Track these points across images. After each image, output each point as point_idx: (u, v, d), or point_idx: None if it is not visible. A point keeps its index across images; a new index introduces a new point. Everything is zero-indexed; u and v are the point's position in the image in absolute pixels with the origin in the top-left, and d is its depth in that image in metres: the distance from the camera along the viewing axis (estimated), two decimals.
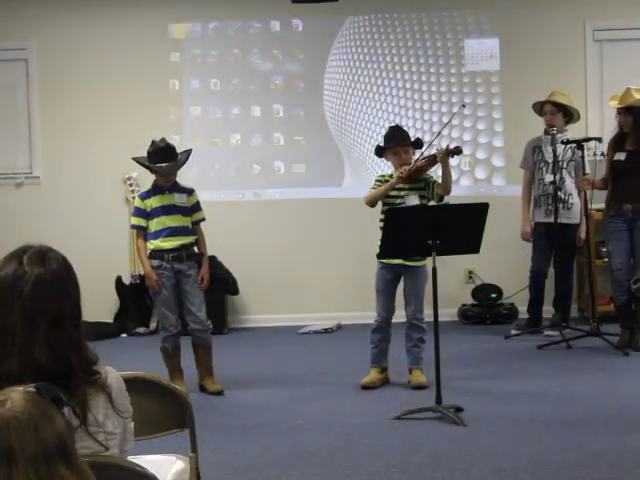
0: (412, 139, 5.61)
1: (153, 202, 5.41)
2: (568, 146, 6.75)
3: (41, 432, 1.50)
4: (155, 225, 5.41)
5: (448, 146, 5.59)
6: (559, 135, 6.71)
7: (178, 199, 5.44)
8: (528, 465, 3.89)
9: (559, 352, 6.27)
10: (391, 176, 5.56)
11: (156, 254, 5.39)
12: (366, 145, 7.95)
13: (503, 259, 7.64)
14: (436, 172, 5.74)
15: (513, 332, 6.93)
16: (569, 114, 6.94)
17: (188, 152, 5.60)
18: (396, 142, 5.47)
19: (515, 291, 7.55)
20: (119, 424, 2.03)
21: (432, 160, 5.41)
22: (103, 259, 7.52)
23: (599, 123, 7.77)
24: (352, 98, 8.00)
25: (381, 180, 5.56)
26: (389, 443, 4.31)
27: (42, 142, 7.99)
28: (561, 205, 6.76)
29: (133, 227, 5.55)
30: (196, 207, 5.56)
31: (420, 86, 7.95)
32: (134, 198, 7.82)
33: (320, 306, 7.81)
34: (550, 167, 6.76)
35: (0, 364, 1.90)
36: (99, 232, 7.75)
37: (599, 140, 6.71)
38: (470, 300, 7.70)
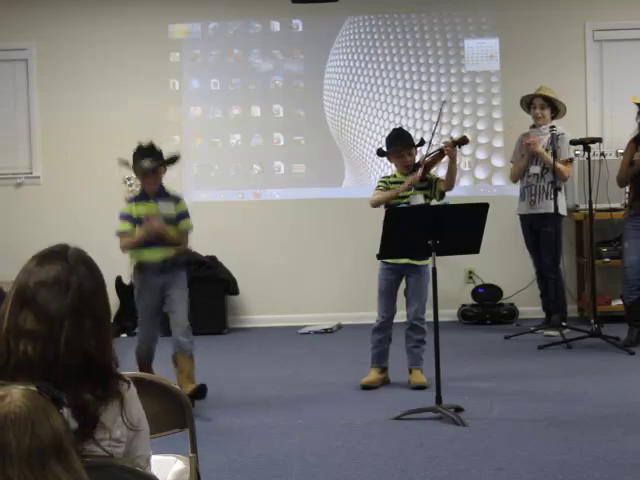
0: (414, 139, 5.61)
1: (140, 209, 5.09)
2: (552, 136, 6.77)
3: (37, 429, 1.51)
4: (138, 231, 5.10)
5: (452, 137, 5.61)
6: (543, 127, 6.85)
7: (164, 208, 5.10)
8: (528, 465, 3.89)
9: (559, 352, 6.27)
10: (394, 176, 5.56)
11: (138, 265, 5.17)
12: (366, 145, 7.96)
13: (503, 259, 7.64)
14: (436, 172, 5.75)
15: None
16: (556, 109, 6.98)
17: (176, 155, 5.29)
18: (399, 145, 5.46)
19: (515, 291, 7.56)
20: (127, 433, 2.02)
21: (439, 155, 5.42)
22: (103, 259, 7.44)
23: (599, 123, 7.78)
24: (352, 98, 8.00)
25: (385, 182, 5.54)
26: (389, 443, 4.31)
27: (42, 142, 7.99)
28: (544, 195, 6.80)
29: (119, 234, 5.13)
30: (183, 215, 5.19)
31: (420, 86, 7.95)
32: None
33: (320, 306, 7.81)
34: (536, 159, 6.85)
35: (46, 347, 1.89)
36: (99, 232, 7.73)
37: (599, 140, 6.73)
38: (470, 300, 7.70)
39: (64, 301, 1.93)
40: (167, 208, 5.10)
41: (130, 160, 5.14)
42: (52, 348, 1.89)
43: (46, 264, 1.97)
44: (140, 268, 5.16)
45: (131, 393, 2.05)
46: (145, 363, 5.18)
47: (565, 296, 7.05)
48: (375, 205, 5.50)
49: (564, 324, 6.69)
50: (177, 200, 5.20)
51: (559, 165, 6.70)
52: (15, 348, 1.88)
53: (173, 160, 5.24)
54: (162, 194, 5.16)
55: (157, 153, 5.13)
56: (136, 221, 5.06)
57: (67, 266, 1.96)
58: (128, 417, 2.00)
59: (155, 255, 5.07)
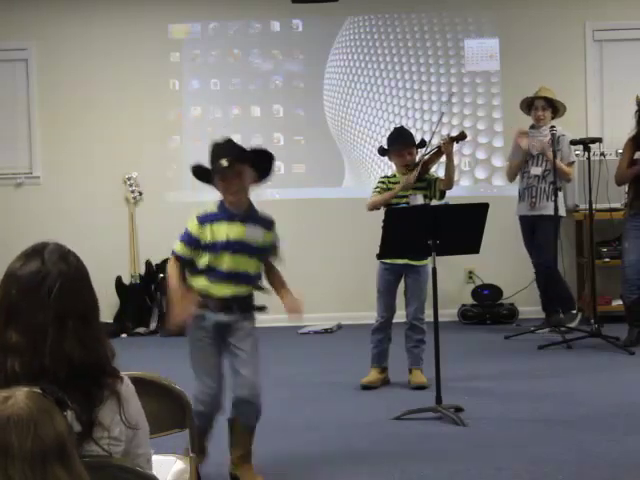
0: (415, 139, 5.61)
1: (216, 231, 3.79)
2: (552, 136, 6.76)
3: (40, 431, 1.51)
4: (209, 259, 3.80)
5: (449, 134, 5.61)
6: (543, 128, 6.83)
7: (250, 233, 3.83)
8: (528, 465, 3.89)
9: (559, 352, 6.27)
10: (394, 176, 5.56)
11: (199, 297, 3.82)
12: (366, 145, 7.96)
13: (503, 259, 7.64)
14: (436, 172, 5.75)
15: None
16: (556, 109, 6.98)
17: (266, 151, 3.95)
18: (400, 144, 5.46)
19: (515, 291, 7.56)
20: (126, 431, 2.02)
21: (437, 152, 5.42)
22: (103, 259, 7.51)
23: (599, 123, 7.78)
24: (352, 98, 8.00)
25: (384, 182, 5.54)
26: (389, 443, 4.31)
27: (42, 142, 7.99)
28: (545, 197, 6.80)
29: (174, 254, 3.86)
30: (273, 247, 4.01)
31: (420, 86, 7.95)
32: (134, 198, 7.89)
33: (320, 306, 7.80)
34: (535, 160, 6.84)
35: (32, 360, 1.91)
36: (99, 232, 7.75)
37: (599, 140, 6.73)
38: (470, 300, 7.70)
39: (47, 309, 1.94)
40: (254, 234, 3.86)
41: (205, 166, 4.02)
42: (37, 360, 1.91)
43: (27, 266, 1.99)
44: (200, 301, 3.83)
45: (128, 391, 2.05)
46: (200, 434, 3.59)
47: (566, 283, 7.04)
48: (372, 208, 5.46)
49: (574, 312, 6.84)
50: (269, 226, 3.95)
51: (563, 166, 6.71)
52: (4, 363, 1.91)
53: (264, 156, 3.91)
54: (252, 214, 3.89)
55: (237, 149, 3.90)
56: (208, 247, 3.78)
57: (46, 268, 1.98)
58: (126, 416, 2.00)
59: (224, 291, 3.82)
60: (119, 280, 7.72)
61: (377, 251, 5.10)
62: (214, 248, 3.77)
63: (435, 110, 7.92)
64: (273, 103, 8.01)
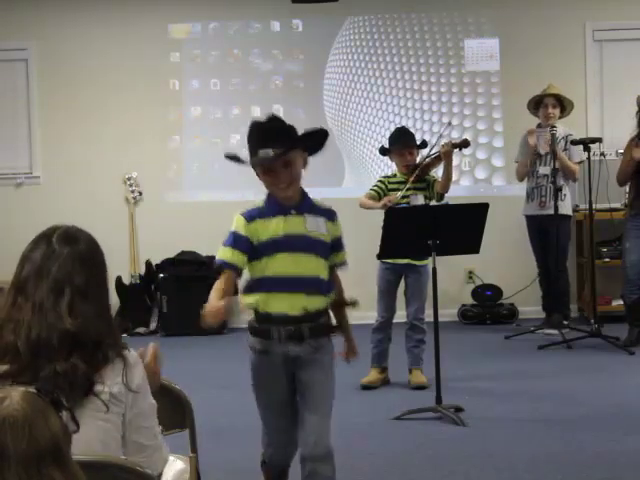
0: (417, 140, 5.63)
1: (269, 227, 3.03)
2: (561, 137, 6.74)
3: (35, 432, 1.51)
4: (263, 267, 3.05)
5: (452, 140, 5.63)
6: (549, 128, 6.78)
7: (312, 225, 3.03)
8: (528, 465, 3.89)
9: (559, 352, 6.27)
10: (394, 176, 5.58)
11: (258, 325, 3.16)
12: (366, 145, 7.96)
13: (503, 259, 7.64)
14: (436, 172, 5.75)
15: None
16: (563, 108, 6.96)
17: (321, 131, 3.09)
18: (401, 144, 5.47)
19: (515, 291, 7.56)
20: (125, 393, 2.09)
21: (438, 157, 5.43)
22: None
23: (599, 123, 7.78)
24: (352, 98, 8.00)
25: (383, 181, 5.57)
26: (389, 443, 4.31)
27: (42, 142, 7.99)
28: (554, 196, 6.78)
29: (219, 264, 3.12)
30: (338, 243, 3.14)
31: (420, 86, 7.95)
32: (134, 198, 7.89)
33: None
34: (544, 160, 6.82)
35: (30, 332, 2.01)
36: (99, 232, 7.64)
37: (599, 140, 6.73)
38: (470, 300, 7.70)
39: (46, 286, 2.06)
40: (317, 226, 3.06)
41: (243, 151, 3.37)
42: (35, 332, 2.01)
43: (36, 249, 2.12)
44: (255, 330, 3.18)
45: (134, 358, 2.14)
46: (283, 473, 3.36)
47: (569, 294, 7.06)
48: (362, 207, 5.65)
49: (566, 322, 6.71)
50: (331, 216, 3.11)
51: (569, 163, 6.71)
52: (7, 335, 2.02)
53: (316, 137, 3.10)
54: (307, 205, 3.08)
55: (285, 133, 3.12)
56: (261, 250, 3.02)
57: (51, 249, 2.10)
58: (128, 378, 2.08)
59: (287, 306, 3.04)
60: (119, 280, 7.71)
61: (377, 251, 5.10)
62: (268, 249, 2.99)
63: (435, 110, 7.92)
64: (273, 103, 8.01)
